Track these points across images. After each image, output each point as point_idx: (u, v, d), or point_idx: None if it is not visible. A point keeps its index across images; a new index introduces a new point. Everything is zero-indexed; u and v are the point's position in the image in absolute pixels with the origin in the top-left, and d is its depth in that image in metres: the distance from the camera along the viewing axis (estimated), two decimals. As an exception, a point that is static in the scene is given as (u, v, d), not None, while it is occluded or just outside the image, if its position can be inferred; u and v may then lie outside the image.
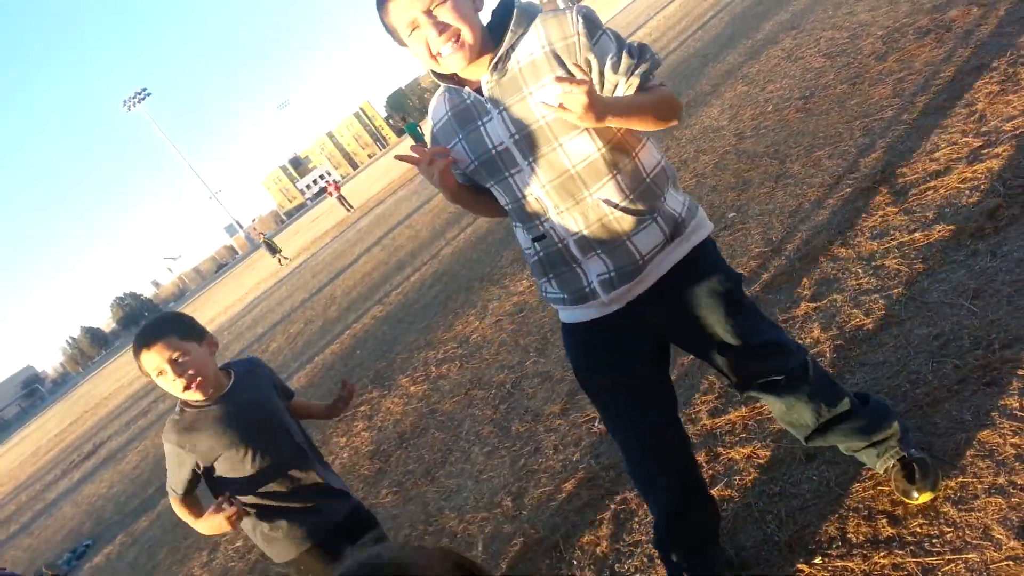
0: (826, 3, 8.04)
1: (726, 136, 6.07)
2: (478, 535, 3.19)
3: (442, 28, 1.60)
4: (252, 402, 2.28)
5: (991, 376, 2.26)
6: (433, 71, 1.75)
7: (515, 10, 1.67)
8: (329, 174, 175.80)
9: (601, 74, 1.62)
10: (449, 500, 3.62)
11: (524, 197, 1.74)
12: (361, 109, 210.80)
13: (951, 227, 3.05)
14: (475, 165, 1.77)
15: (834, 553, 2.05)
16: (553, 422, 3.66)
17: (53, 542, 9.26)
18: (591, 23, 1.63)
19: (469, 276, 7.41)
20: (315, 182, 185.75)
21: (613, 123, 1.61)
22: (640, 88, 1.63)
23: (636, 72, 1.62)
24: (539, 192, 1.71)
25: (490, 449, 3.83)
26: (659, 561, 2.35)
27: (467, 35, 1.62)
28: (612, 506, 2.80)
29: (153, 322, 2.23)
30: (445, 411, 4.68)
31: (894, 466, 2.06)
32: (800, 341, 2.99)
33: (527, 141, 1.68)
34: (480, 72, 1.69)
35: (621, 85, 1.63)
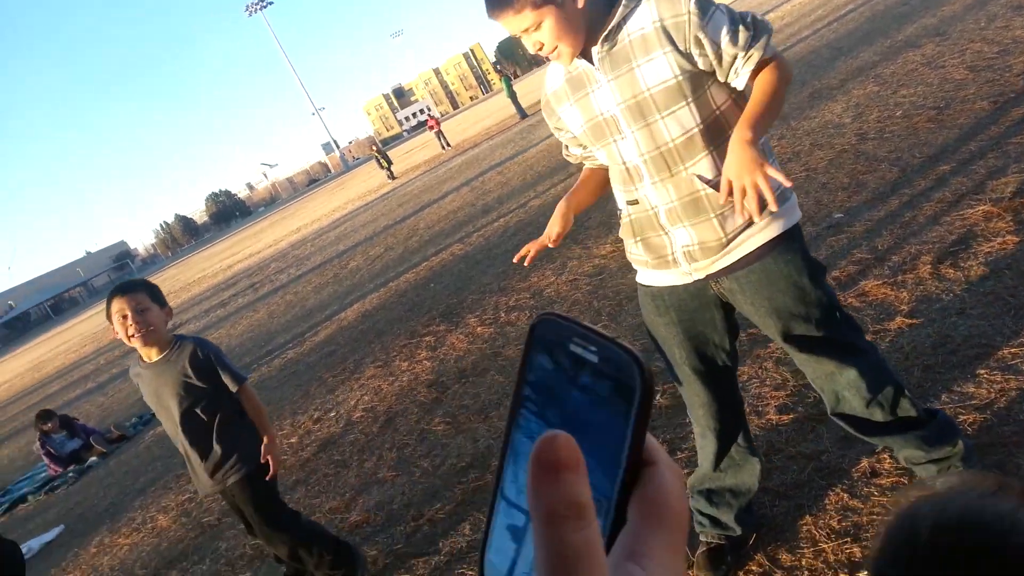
0: (979, 13, 7.51)
1: (847, 134, 5.80)
2: (522, 479, 3.24)
3: (540, 46, 1.74)
4: (161, 376, 2.73)
5: (1090, 427, 2.13)
6: None
7: None
8: (429, 109, 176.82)
9: (718, 49, 1.66)
10: (499, 440, 3.69)
11: (624, 163, 1.84)
12: (471, 50, 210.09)
13: (1077, 268, 2.86)
14: (584, 128, 1.88)
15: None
16: (614, 387, 3.65)
17: (124, 405, 9.91)
18: (703, 1, 1.66)
19: (554, 231, 7.39)
20: (414, 115, 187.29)
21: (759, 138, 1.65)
22: (760, 62, 1.68)
23: (755, 46, 1.66)
24: (637, 160, 1.80)
25: (547, 400, 3.86)
26: (699, 540, 2.35)
27: (564, 49, 1.75)
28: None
29: (134, 279, 2.85)
30: (508, 357, 4.74)
31: None
32: (888, 355, 2.89)
33: (632, 111, 1.76)
34: (592, 43, 1.77)
35: (740, 58, 1.67)
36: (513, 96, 27.00)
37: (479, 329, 5.54)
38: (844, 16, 11.68)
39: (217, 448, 2.77)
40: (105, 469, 7.43)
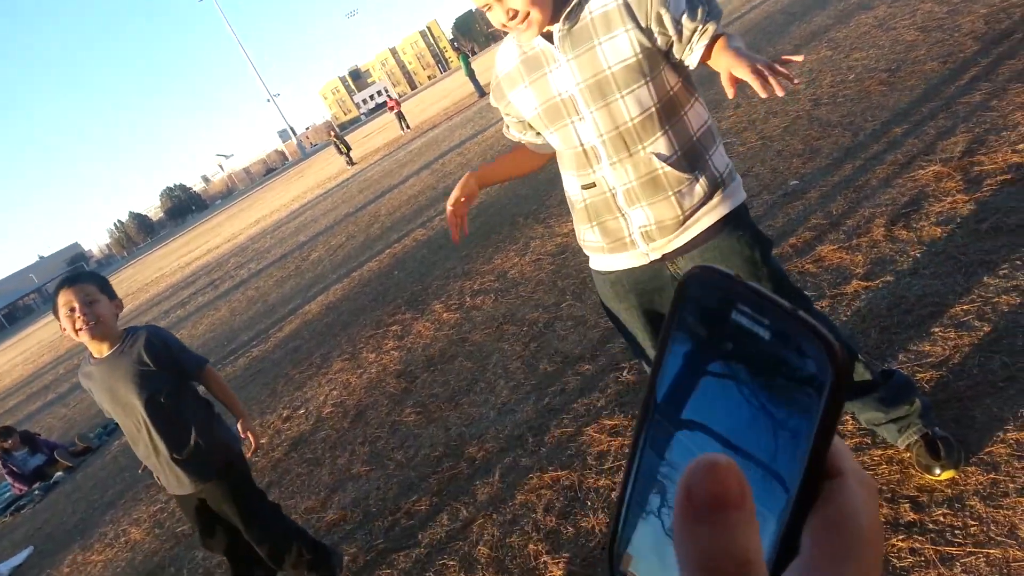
0: (927, -28, 7.60)
1: (801, 100, 5.85)
2: (496, 464, 3.24)
3: (512, 14, 1.71)
4: (115, 369, 2.60)
5: (1042, 380, 2.19)
6: None
7: None
8: (387, 91, 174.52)
9: (678, 25, 1.67)
10: (470, 427, 3.68)
11: (581, 144, 1.81)
12: (428, 27, 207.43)
13: (1023, 223, 2.92)
14: (538, 111, 1.85)
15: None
16: (581, 366, 3.67)
17: (88, 415, 9.70)
18: None
19: (515, 211, 7.37)
20: (372, 97, 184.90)
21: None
22: (713, 36, 1.70)
23: (711, 21, 1.68)
24: (596, 141, 1.79)
25: (515, 384, 3.87)
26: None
27: (536, 15, 1.71)
28: (631, 455, 2.81)
29: (81, 270, 2.72)
30: (475, 342, 4.72)
31: (917, 442, 2.09)
32: (845, 318, 2.94)
33: (592, 90, 1.74)
34: (553, 21, 1.76)
35: (697, 32, 1.68)
36: (471, 74, 26.79)
37: (445, 315, 5.52)
38: (792, -19, 11.72)
39: (190, 439, 2.64)
40: (72, 484, 7.28)
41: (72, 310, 2.50)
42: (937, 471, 2.03)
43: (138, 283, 30.79)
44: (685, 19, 1.66)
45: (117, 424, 2.79)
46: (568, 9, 1.72)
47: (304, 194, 28.50)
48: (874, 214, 3.59)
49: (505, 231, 6.88)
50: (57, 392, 13.87)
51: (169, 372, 2.63)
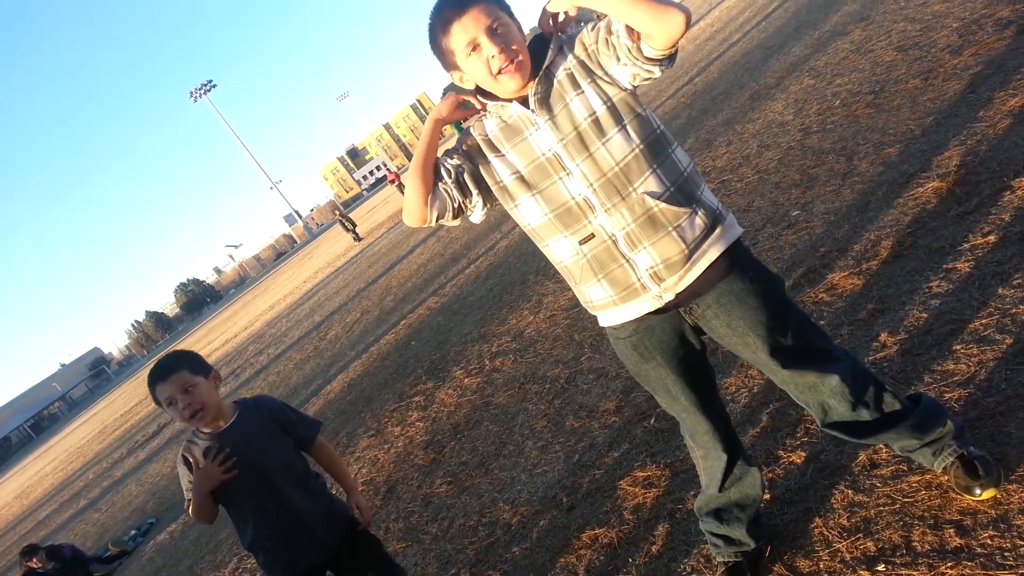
0: (897, -6, 7.77)
1: (791, 131, 5.94)
2: (532, 527, 3.21)
3: (503, 48, 1.77)
4: (241, 444, 2.45)
5: (1071, 386, 2.17)
6: (479, 91, 1.92)
7: (550, 40, 1.88)
8: (385, 165, 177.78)
9: (598, 32, 1.79)
10: (503, 492, 3.65)
11: (572, 198, 1.85)
12: (418, 101, 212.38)
13: (1030, 230, 2.93)
14: (522, 174, 1.89)
15: (898, 561, 2.01)
16: (608, 419, 3.65)
17: (120, 518, 9.66)
18: (588, 26, 1.85)
19: (524, 270, 7.43)
20: (371, 173, 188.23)
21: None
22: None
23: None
24: (587, 192, 1.82)
25: (544, 444, 3.85)
26: (715, 562, 2.33)
27: (524, 56, 1.81)
28: (668, 505, 2.78)
29: (167, 357, 2.50)
30: (499, 404, 4.72)
31: (953, 463, 2.06)
32: (865, 344, 2.93)
33: (574, 144, 1.81)
34: (522, 91, 1.86)
35: (615, 24, 1.74)
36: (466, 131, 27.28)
37: (466, 380, 5.52)
38: (771, 14, 12.01)
39: (325, 501, 2.57)
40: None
41: (172, 404, 2.39)
42: (978, 491, 2.00)
43: (159, 380, 30.84)
44: (605, 25, 1.77)
45: (151, 524, 2.71)
46: (540, 73, 1.83)
47: (315, 274, 28.81)
48: (880, 236, 3.61)
49: (516, 290, 6.93)
50: (89, 498, 13.83)
51: (293, 438, 2.57)
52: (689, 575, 2.42)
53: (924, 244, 3.31)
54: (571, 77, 1.82)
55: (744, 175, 5.72)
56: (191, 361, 2.47)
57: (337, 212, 33.53)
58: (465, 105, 1.96)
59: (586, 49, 1.82)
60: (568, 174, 1.83)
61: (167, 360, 2.47)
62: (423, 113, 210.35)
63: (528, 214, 1.93)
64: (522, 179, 1.89)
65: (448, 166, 1.97)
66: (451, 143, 2.03)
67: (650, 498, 2.89)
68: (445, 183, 1.97)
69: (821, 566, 2.15)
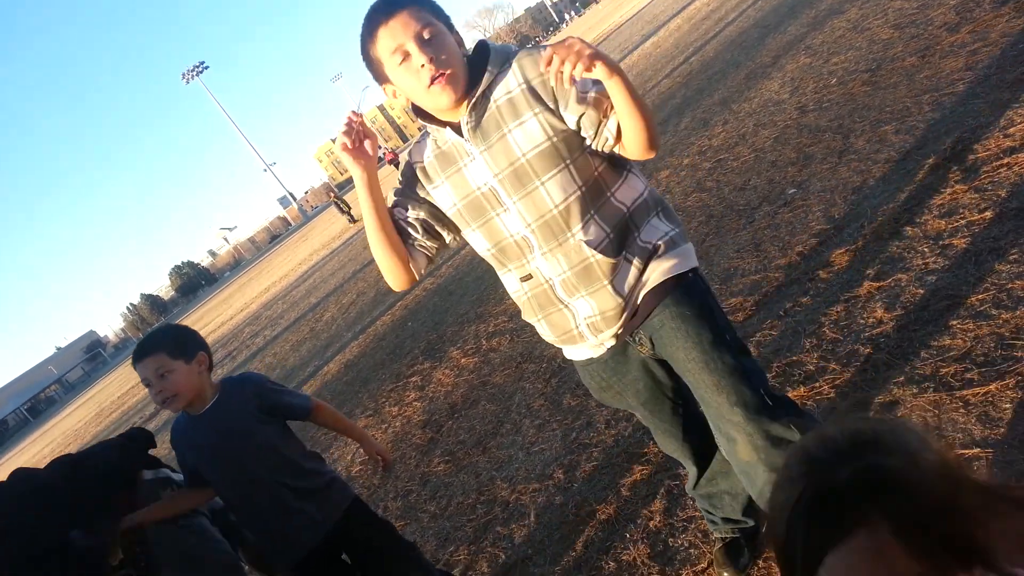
0: (895, -29, 7.72)
1: (787, 110, 5.92)
2: (530, 505, 3.23)
3: (432, 57, 1.57)
4: (219, 429, 2.31)
5: (1066, 361, 2.18)
6: (414, 110, 1.72)
7: (491, 50, 1.67)
8: (381, 147, 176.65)
9: (584, 95, 1.56)
10: (501, 470, 3.67)
11: (511, 236, 1.72)
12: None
13: (1026, 206, 2.94)
14: (458, 208, 1.75)
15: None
16: (605, 397, 3.66)
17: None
18: None
19: (520, 250, 7.42)
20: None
21: (617, 81, 1.47)
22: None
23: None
24: (525, 231, 1.70)
25: (541, 422, 3.87)
26: (713, 537, 2.35)
27: (457, 69, 1.61)
28: (666, 481, 2.80)
29: (150, 336, 2.37)
30: (496, 384, 4.73)
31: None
32: (861, 321, 2.94)
33: (511, 180, 1.66)
34: (458, 114, 1.68)
35: (609, 112, 1.57)
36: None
37: (463, 360, 5.53)
38: (765, -6, 11.93)
39: (322, 482, 2.41)
40: None
41: (148, 386, 2.26)
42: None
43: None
44: (597, 92, 1.57)
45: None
46: (473, 100, 1.63)
47: (310, 256, 28.75)
48: (876, 213, 3.61)
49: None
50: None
51: (279, 418, 2.41)
52: (687, 550, 2.45)
53: (921, 220, 3.31)
54: (512, 104, 1.62)
55: (740, 154, 5.71)
56: (172, 343, 2.31)
57: (332, 194, 33.40)
58: (359, 150, 1.69)
59: (541, 76, 1.59)
60: (506, 210, 1.69)
61: (149, 339, 2.35)
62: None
63: (476, 245, 1.82)
64: (460, 212, 1.75)
65: (411, 220, 1.80)
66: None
67: (647, 475, 2.91)
68: (414, 239, 1.81)
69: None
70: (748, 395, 1.75)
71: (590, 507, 2.95)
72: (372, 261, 11.59)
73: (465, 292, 7.39)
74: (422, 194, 1.80)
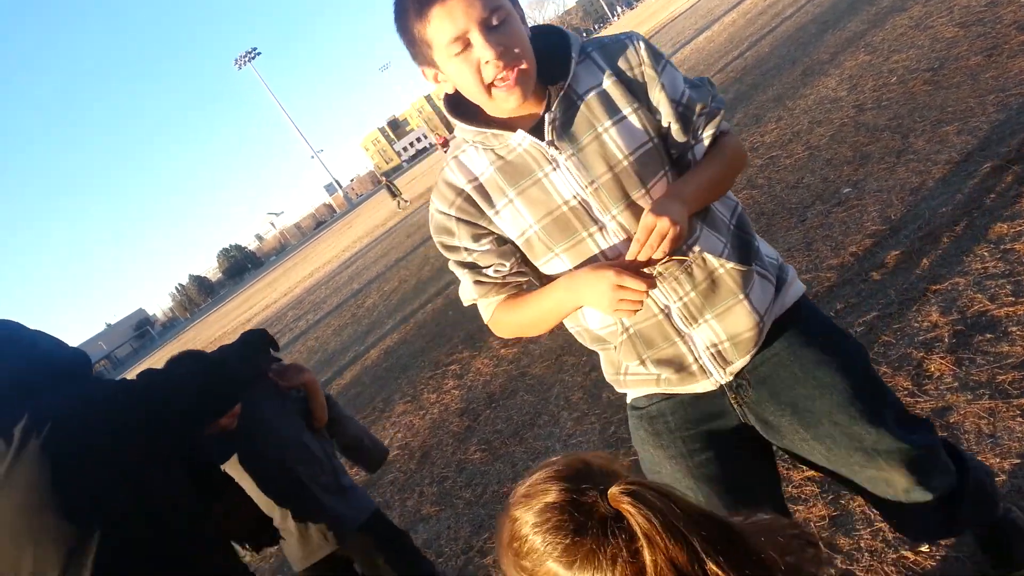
0: (962, -32, 7.47)
1: (844, 107, 5.77)
2: (566, 497, 3.21)
3: (501, 51, 1.25)
4: None
5: None
6: (452, 109, 1.41)
7: (569, 37, 1.38)
8: (426, 136, 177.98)
9: (678, 105, 1.36)
10: (537, 461, 3.66)
11: (608, 261, 1.36)
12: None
13: (1096, 212, 2.81)
14: (535, 231, 1.39)
15: (943, 541, 1.96)
16: (645, 392, 3.63)
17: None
18: (652, 51, 1.37)
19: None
20: (411, 144, 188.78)
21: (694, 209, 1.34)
22: (719, 127, 1.41)
23: (719, 106, 1.41)
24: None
25: (579, 415, 3.85)
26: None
27: (530, 63, 1.30)
28: (704, 479, 2.76)
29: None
30: (535, 375, 4.72)
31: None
32: (916, 325, 2.85)
33: (609, 188, 1.34)
34: (529, 112, 1.37)
35: (704, 118, 1.39)
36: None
37: (503, 351, 5.53)
38: (823, -10, 11.65)
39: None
40: None
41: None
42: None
43: (202, 342, 31.65)
44: (687, 99, 1.37)
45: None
46: (560, 93, 1.34)
47: (354, 243, 29.10)
48: (934, 215, 3.50)
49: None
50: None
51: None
52: (724, 549, 2.41)
53: (981, 224, 3.20)
54: (606, 98, 1.35)
55: (794, 151, 5.59)
56: None
57: (384, 179, 34.75)
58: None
59: (632, 67, 1.36)
60: (601, 229, 1.37)
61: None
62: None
63: (558, 269, 1.44)
64: (537, 236, 1.39)
65: (475, 263, 1.47)
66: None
67: (686, 471, 2.87)
68: (501, 273, 1.47)
69: (862, 544, 2.12)
70: (908, 421, 1.49)
71: (627, 501, 2.92)
72: (415, 249, 11.71)
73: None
74: (483, 223, 1.43)
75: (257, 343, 2.25)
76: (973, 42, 5.32)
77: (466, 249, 1.45)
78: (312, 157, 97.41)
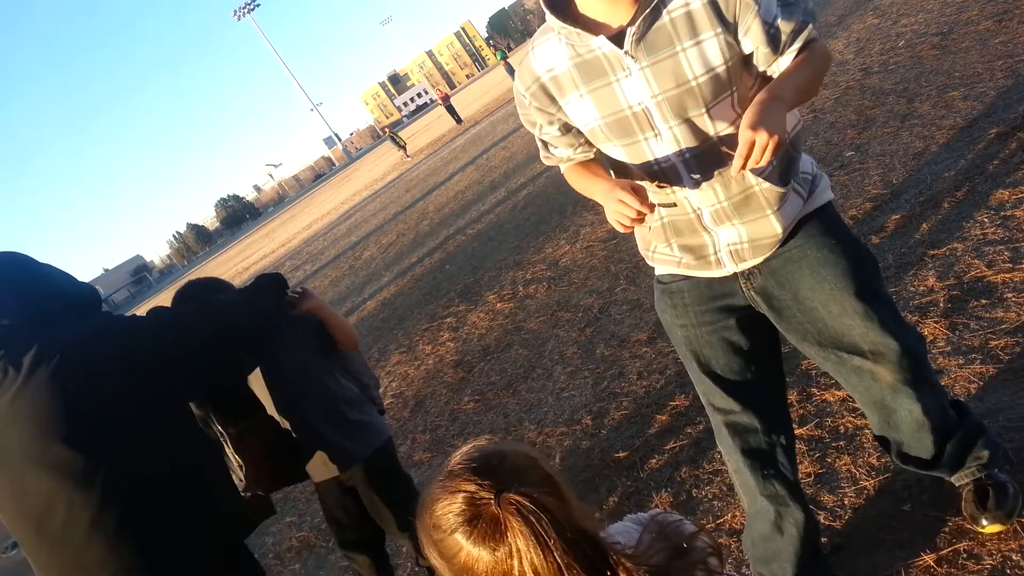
0: (980, -69, 7.31)
1: (850, 70, 5.70)
2: (556, 447, 3.26)
3: None
4: None
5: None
6: (546, 4, 1.50)
7: None
8: (427, 92, 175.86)
9: (770, 27, 1.41)
10: (529, 412, 3.71)
11: (658, 163, 1.54)
12: (462, 28, 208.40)
13: (1098, 180, 2.81)
14: (599, 124, 1.54)
15: (926, 500, 2.00)
16: (639, 349, 3.65)
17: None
18: None
19: (563, 201, 7.36)
20: (412, 100, 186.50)
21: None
22: (806, 41, 1.46)
23: (809, 22, 1.45)
24: (677, 160, 1.52)
25: (573, 369, 3.87)
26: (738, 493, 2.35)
27: None
28: (694, 434, 2.80)
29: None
30: (530, 330, 4.74)
31: (967, 485, 1.84)
32: (912, 288, 2.86)
33: (673, 104, 1.45)
34: (617, 19, 1.45)
35: (792, 36, 1.43)
36: (510, 69, 26.92)
37: (499, 305, 5.55)
38: (837, -50, 11.42)
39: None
40: None
41: None
42: (984, 523, 1.80)
43: (198, 291, 31.63)
44: (781, 21, 1.41)
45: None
46: (649, 6, 1.40)
47: (353, 196, 28.93)
48: (936, 181, 3.49)
49: (555, 220, 6.88)
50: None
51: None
52: (710, 502, 2.45)
53: (982, 190, 3.19)
54: (691, 19, 1.40)
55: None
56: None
57: (388, 131, 34.74)
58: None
59: (729, 2, 1.40)
60: (657, 135, 1.50)
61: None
62: (466, 41, 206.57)
63: (612, 155, 1.62)
64: (600, 128, 1.55)
65: (547, 139, 1.68)
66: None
67: (677, 426, 2.91)
68: (568, 153, 1.69)
69: (846, 502, 2.15)
70: (899, 324, 1.63)
71: (616, 454, 2.96)
72: (414, 203, 11.61)
73: (504, 239, 7.37)
74: (553, 111, 1.60)
75: (270, 288, 2.25)
76: (984, 7, 5.24)
77: (540, 127, 1.66)
78: (311, 110, 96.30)
